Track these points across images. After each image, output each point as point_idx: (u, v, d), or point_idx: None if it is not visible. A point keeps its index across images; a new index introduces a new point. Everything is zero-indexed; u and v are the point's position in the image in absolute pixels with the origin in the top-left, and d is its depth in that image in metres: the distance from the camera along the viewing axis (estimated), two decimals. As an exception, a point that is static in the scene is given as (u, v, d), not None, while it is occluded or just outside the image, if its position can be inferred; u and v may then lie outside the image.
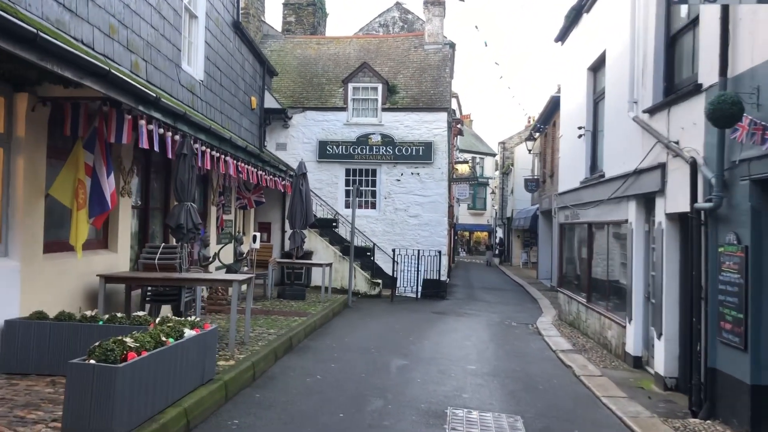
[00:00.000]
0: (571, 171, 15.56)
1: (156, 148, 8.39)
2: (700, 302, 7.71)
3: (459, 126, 36.18)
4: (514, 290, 26.95)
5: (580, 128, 14.21)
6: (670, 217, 9.04)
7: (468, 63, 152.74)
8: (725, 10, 7.20)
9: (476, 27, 38.03)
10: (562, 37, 16.86)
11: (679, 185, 8.49)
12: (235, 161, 12.56)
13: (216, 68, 14.69)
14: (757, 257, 6.68)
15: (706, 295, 7.63)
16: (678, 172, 8.56)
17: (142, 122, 7.85)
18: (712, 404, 7.44)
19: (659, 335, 9.21)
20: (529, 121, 54.62)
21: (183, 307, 9.47)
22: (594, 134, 14.02)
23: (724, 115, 6.47)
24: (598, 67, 13.61)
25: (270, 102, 21.42)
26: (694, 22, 8.72)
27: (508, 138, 56.64)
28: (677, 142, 8.60)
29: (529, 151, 35.02)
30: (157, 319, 6.76)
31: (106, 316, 7.01)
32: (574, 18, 15.18)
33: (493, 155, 62.64)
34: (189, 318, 6.88)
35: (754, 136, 6.51)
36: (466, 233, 65.67)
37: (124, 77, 7.08)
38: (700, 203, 7.66)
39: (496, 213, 59.55)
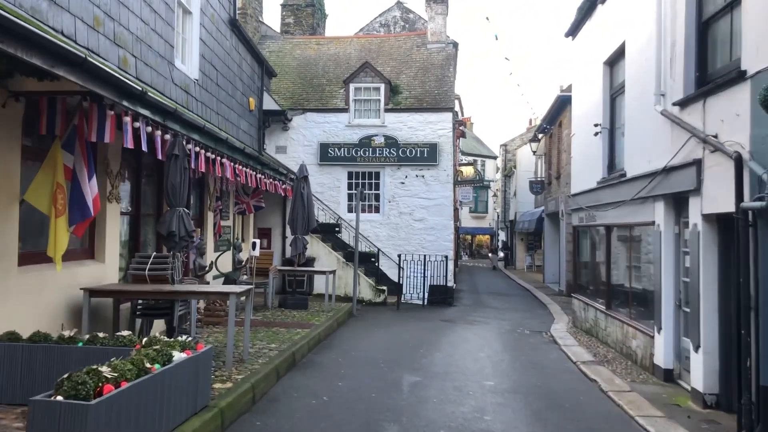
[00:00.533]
0: (585, 171, 14.79)
1: (144, 148, 7.64)
2: (749, 312, 6.93)
3: (461, 128, 35.47)
4: (522, 295, 26.19)
5: (596, 125, 13.44)
6: (707, 218, 8.27)
7: (468, 65, 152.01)
8: (776, -14, 6.45)
9: (487, 18, 37.35)
10: (573, 31, 16.11)
11: (720, 183, 7.72)
12: (232, 163, 11.80)
13: (212, 67, 13.98)
14: (821, 262, 5.91)
15: (756, 304, 6.85)
16: (717, 168, 7.80)
17: (127, 119, 7.09)
18: (765, 427, 6.66)
19: (696, 347, 8.43)
20: (531, 123, 54.09)
21: (176, 322, 8.69)
22: (611, 131, 13.26)
23: (783, 101, 5.71)
24: (615, 60, 12.85)
25: (269, 103, 20.68)
26: (732, 5, 7.97)
27: (510, 140, 55.95)
28: (716, 136, 7.83)
29: (534, 152, 34.31)
30: (144, 340, 5.99)
31: (87, 336, 6.24)
32: (587, 10, 14.43)
33: (494, 158, 61.99)
34: (180, 338, 6.10)
35: (817, 126, 5.75)
36: (468, 236, 64.93)
37: (104, 67, 6.32)
38: (748, 202, 6.89)
39: (498, 216, 58.83)
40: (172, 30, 11.45)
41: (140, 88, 7.11)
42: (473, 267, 47.95)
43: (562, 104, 26.05)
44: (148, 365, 4.98)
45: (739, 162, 7.10)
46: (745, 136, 7.11)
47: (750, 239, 6.96)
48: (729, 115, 7.53)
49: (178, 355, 5.54)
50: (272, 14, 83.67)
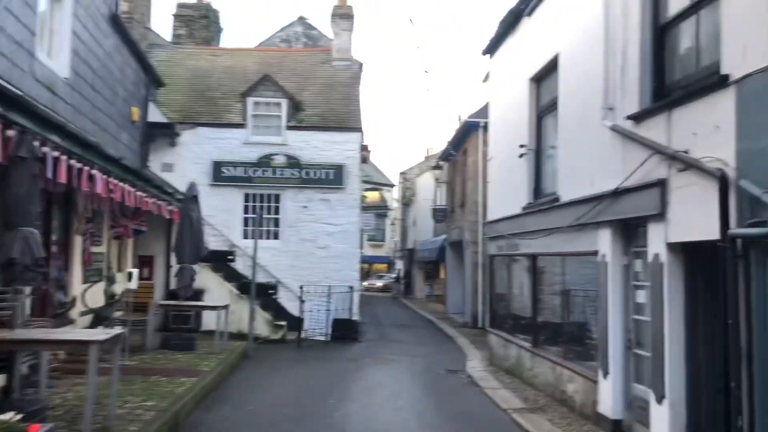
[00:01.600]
0: (506, 196, 13.72)
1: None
2: (740, 362, 5.80)
3: (363, 153, 34.28)
4: (426, 327, 25.16)
5: (521, 146, 12.41)
6: (672, 247, 7.18)
7: (365, 92, 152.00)
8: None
9: (410, 21, 36.46)
10: (492, 48, 15.17)
11: (693, 206, 6.64)
12: (105, 176, 9.69)
13: (87, 67, 11.94)
14: None
15: (749, 352, 5.72)
16: (690, 189, 6.71)
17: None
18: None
19: (660, 398, 7.26)
20: (428, 153, 53.97)
21: (18, 380, 6.58)
22: (538, 153, 12.27)
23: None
24: (544, 76, 11.88)
25: (155, 116, 18.52)
26: (698, 5, 7.03)
27: (409, 168, 55.53)
28: (686, 152, 6.77)
29: (436, 180, 33.62)
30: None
31: None
32: (511, 23, 13.46)
33: (392, 186, 61.50)
34: (5, 415, 4.15)
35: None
36: (366, 265, 63.69)
37: None
38: (742, 229, 5.78)
39: (396, 244, 58.09)
40: (33, 14, 9.43)
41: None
42: (371, 297, 46.60)
43: (468, 130, 25.36)
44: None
45: (724, 181, 6.01)
46: (729, 151, 6.04)
47: (740, 273, 5.85)
48: (705, 128, 6.47)
49: (-8, 449, 3.62)
50: (163, 25, 79.40)
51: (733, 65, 6.08)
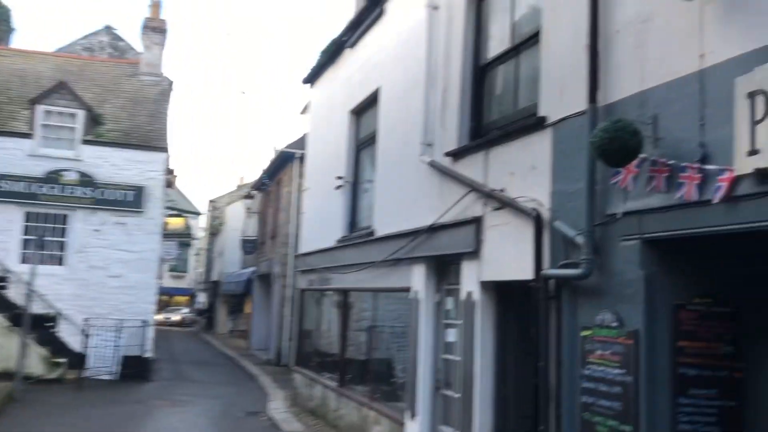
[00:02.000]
0: (321, 229, 13.32)
1: None
2: (549, 404, 5.74)
3: (169, 176, 32.36)
4: (226, 365, 23.95)
5: (339, 178, 12.11)
6: (485, 286, 7.11)
7: (173, 111, 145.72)
8: (594, 21, 5.57)
9: (228, 34, 35.15)
10: (312, 78, 14.88)
11: (507, 245, 6.61)
12: None
13: None
14: (652, 346, 4.88)
15: (558, 394, 5.67)
16: (504, 228, 6.69)
17: None
18: None
19: (468, 441, 7.09)
20: (241, 181, 52.64)
21: None
22: (355, 186, 12.04)
23: (624, 147, 4.62)
24: (364, 109, 11.73)
25: None
26: (518, 48, 7.17)
27: (219, 197, 53.70)
28: (502, 191, 6.77)
29: (248, 209, 32.64)
30: None
31: None
32: (332, 54, 13.25)
33: (199, 214, 59.06)
34: None
35: (653, 181, 4.81)
36: (165, 297, 60.06)
37: None
38: (555, 270, 5.77)
39: (200, 276, 55.54)
40: None
41: None
42: (168, 331, 43.83)
43: (285, 161, 24.93)
44: None
45: (538, 222, 6.02)
46: (545, 192, 6.09)
47: (552, 314, 5.84)
48: (522, 168, 6.51)
49: None
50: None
51: (550, 108, 6.18)
